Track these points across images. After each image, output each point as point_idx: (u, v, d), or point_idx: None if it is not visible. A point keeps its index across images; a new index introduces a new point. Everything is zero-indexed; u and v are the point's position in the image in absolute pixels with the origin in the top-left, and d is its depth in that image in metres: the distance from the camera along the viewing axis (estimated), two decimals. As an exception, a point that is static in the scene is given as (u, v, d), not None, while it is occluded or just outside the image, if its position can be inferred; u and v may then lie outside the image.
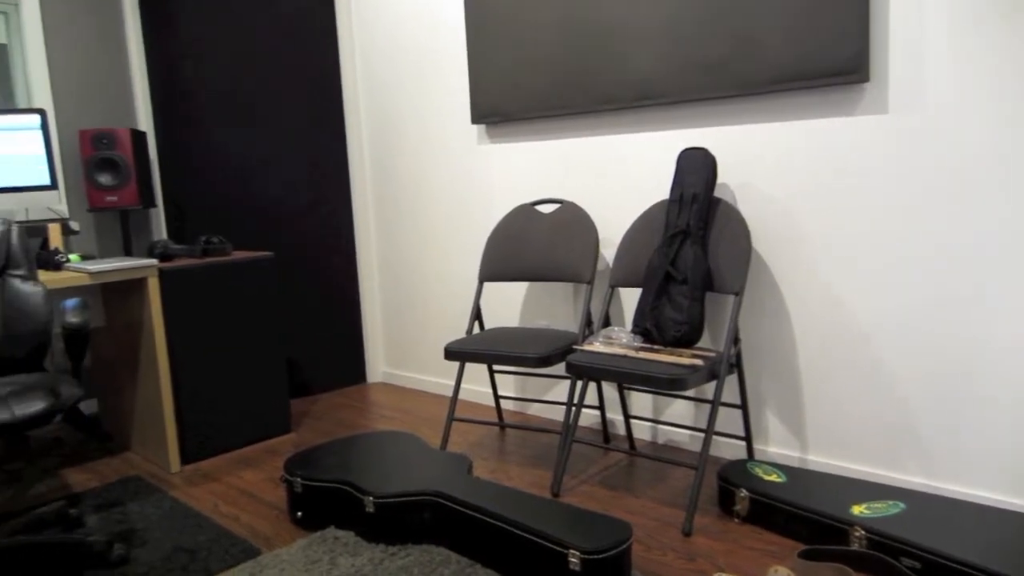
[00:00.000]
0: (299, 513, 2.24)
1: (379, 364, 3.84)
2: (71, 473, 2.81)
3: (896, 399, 2.19)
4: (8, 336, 2.13)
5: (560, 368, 3.00)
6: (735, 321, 2.24)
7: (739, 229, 2.31)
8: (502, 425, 3.02)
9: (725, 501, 2.18)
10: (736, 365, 2.32)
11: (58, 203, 2.98)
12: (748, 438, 2.40)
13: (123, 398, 3.00)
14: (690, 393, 2.62)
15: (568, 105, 2.77)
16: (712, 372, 2.15)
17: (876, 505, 1.94)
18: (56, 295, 2.97)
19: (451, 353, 2.54)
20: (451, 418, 2.71)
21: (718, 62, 2.37)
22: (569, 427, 2.44)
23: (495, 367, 3.10)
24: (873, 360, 2.22)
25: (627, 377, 2.12)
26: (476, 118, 3.07)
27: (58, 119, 3.37)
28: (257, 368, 2.96)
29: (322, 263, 3.65)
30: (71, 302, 2.03)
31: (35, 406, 1.82)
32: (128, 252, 3.39)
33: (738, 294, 2.25)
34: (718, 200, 2.39)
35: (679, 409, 2.70)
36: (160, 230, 3.60)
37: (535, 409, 3.17)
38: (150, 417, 2.80)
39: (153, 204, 3.43)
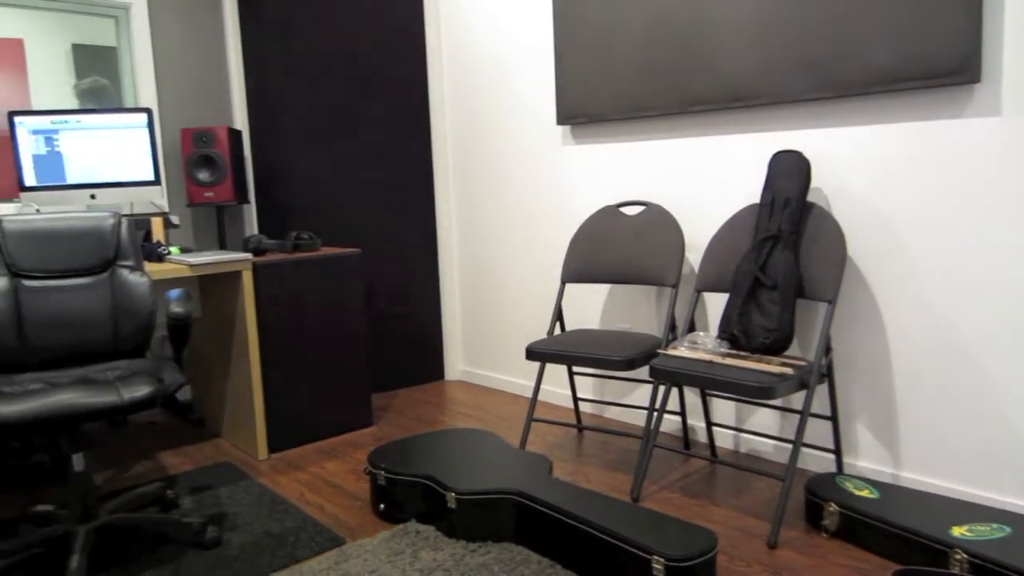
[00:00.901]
0: (382, 505, 2.29)
1: (457, 362, 3.88)
2: (166, 456, 2.95)
3: (999, 417, 2.08)
4: (117, 324, 2.25)
5: (640, 372, 2.97)
6: (827, 330, 2.16)
7: (833, 235, 2.23)
8: (580, 427, 3.01)
9: (813, 515, 2.11)
10: (827, 375, 2.24)
11: (160, 198, 3.13)
12: (838, 451, 2.32)
13: (215, 386, 3.13)
14: (776, 402, 2.55)
15: (656, 106, 2.74)
16: (802, 382, 2.09)
17: (979, 527, 1.84)
18: (159, 286, 3.12)
19: (533, 353, 2.54)
20: (531, 418, 2.71)
21: (816, 62, 2.29)
22: (650, 432, 2.41)
23: (575, 369, 3.09)
24: (974, 375, 2.11)
25: (713, 384, 2.08)
26: (562, 119, 3.07)
27: (162, 118, 3.54)
28: (342, 362, 3.04)
29: (404, 260, 3.71)
30: (175, 293, 2.13)
31: (141, 390, 1.91)
32: (222, 246, 3.53)
33: (831, 302, 2.18)
34: (811, 205, 2.32)
35: (763, 418, 2.63)
36: (252, 225, 3.73)
37: (613, 412, 3.14)
38: (240, 406, 2.91)
39: (246, 200, 3.56)
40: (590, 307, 3.15)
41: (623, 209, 2.86)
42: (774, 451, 2.61)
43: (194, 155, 3.32)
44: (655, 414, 2.43)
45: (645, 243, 2.71)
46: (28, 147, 2.95)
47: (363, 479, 2.61)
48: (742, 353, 2.27)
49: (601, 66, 2.89)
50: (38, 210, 2.95)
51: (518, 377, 3.57)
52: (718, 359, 2.20)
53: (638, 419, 3.05)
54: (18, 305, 2.14)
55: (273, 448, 2.88)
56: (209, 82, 3.68)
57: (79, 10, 3.41)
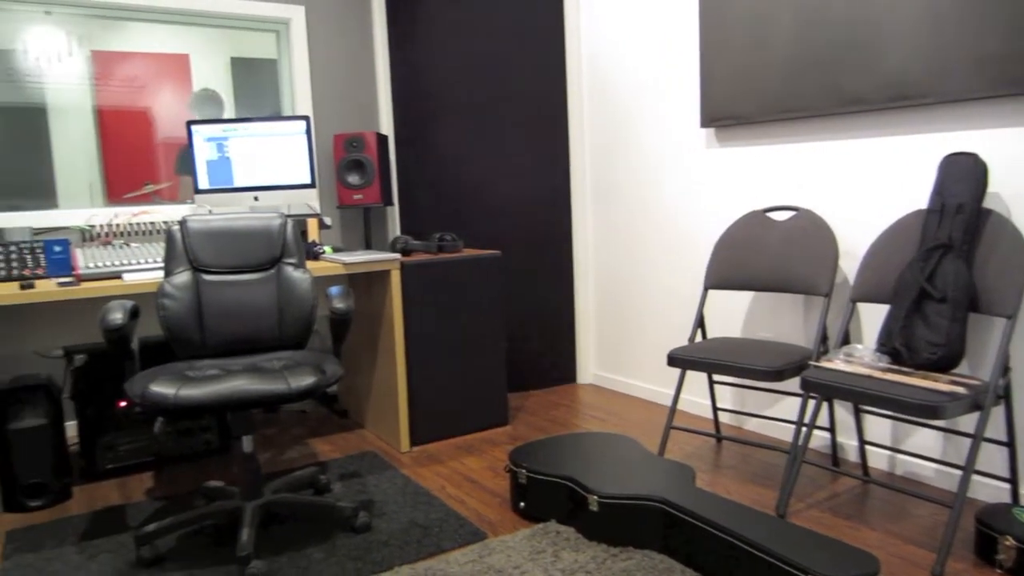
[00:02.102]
0: (522, 503, 2.32)
1: (589, 366, 3.88)
2: (316, 443, 3.12)
3: None
4: (281, 317, 2.40)
5: (786, 384, 2.86)
6: (1006, 347, 2.00)
7: (1015, 244, 2.06)
8: (719, 437, 2.94)
9: (984, 548, 1.96)
10: (1004, 397, 2.07)
11: (314, 200, 3.32)
12: (1014, 480, 2.13)
13: (360, 379, 3.29)
14: (940, 423, 2.38)
15: (808, 107, 2.63)
16: (976, 402, 1.94)
17: None
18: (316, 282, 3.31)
19: (675, 360, 2.50)
20: (669, 425, 2.67)
21: (992, 57, 2.13)
22: (798, 447, 2.31)
23: (715, 377, 3.02)
24: None
25: (873, 400, 1.97)
26: (706, 121, 3.00)
27: (316, 124, 3.76)
28: (481, 361, 3.11)
29: (540, 262, 3.75)
30: (336, 289, 2.25)
31: (306, 380, 2.03)
32: (368, 246, 3.71)
33: (1011, 317, 2.01)
34: (988, 211, 2.15)
35: (923, 439, 2.47)
36: (395, 226, 3.89)
37: (754, 424, 3.04)
38: (384, 399, 3.04)
39: (390, 202, 3.72)
40: (732, 314, 3.06)
41: (771, 214, 2.76)
42: (935, 475, 2.44)
43: (345, 159, 3.50)
44: (804, 429, 2.33)
45: (795, 250, 2.61)
46: (203, 153, 3.21)
47: (501, 476, 2.66)
48: (904, 369, 2.14)
49: (749, 66, 2.81)
50: (210, 211, 3.21)
51: (651, 383, 3.52)
52: (878, 374, 2.08)
53: (780, 432, 2.93)
54: (199, 297, 2.34)
55: (415, 441, 2.98)
56: (359, 90, 3.87)
57: (242, 26, 3.68)
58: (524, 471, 2.30)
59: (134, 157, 3.49)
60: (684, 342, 3.32)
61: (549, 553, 2.06)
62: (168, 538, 2.26)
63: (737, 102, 2.88)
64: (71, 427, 3.20)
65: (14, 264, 2.64)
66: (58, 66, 3.29)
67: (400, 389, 2.91)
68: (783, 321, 2.87)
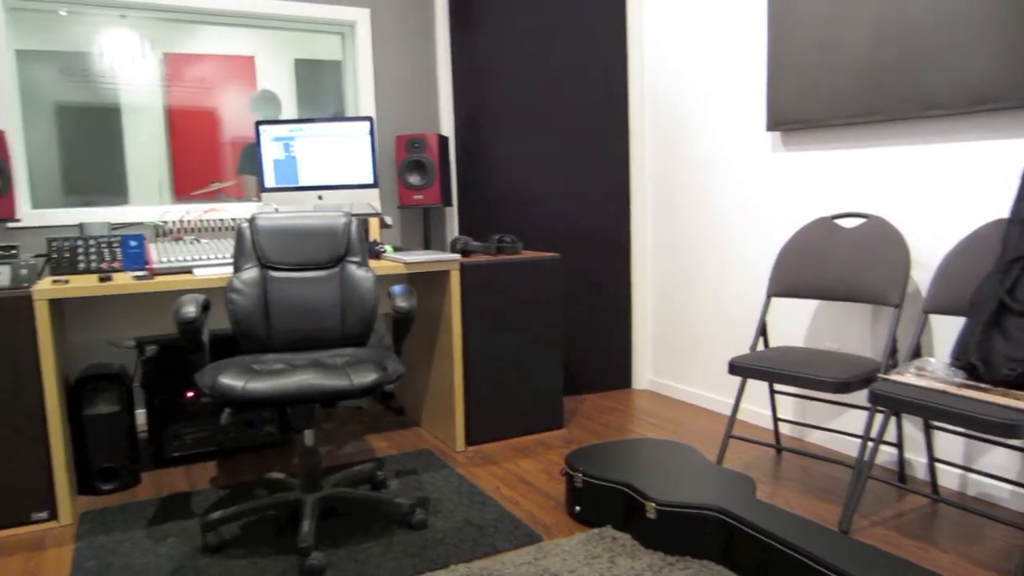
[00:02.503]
0: (577, 507, 2.31)
1: (646, 371, 3.84)
2: (372, 439, 3.17)
3: None
4: (344, 314, 2.45)
5: (850, 396, 2.78)
6: (1092, 365, 1.90)
7: (1103, 257, 1.97)
8: (779, 448, 2.87)
9: (1064, 573, 1.87)
10: (1089, 416, 1.97)
11: (375, 200, 3.37)
12: (1097, 504, 2.04)
13: (417, 377, 3.32)
14: (1018, 443, 2.28)
15: (882, 110, 2.55)
16: (1058, 421, 1.85)
17: None
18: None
19: (737, 368, 2.46)
20: (729, 434, 2.63)
21: (1087, 62, 2.03)
22: (864, 462, 2.25)
23: (776, 387, 2.96)
24: None
25: (947, 416, 1.90)
26: (772, 125, 2.94)
27: (379, 125, 3.82)
28: (537, 363, 3.11)
29: (597, 265, 3.73)
30: (399, 288, 2.28)
31: (368, 377, 2.06)
32: (427, 246, 3.74)
33: (1098, 334, 1.92)
34: (1075, 222, 2.05)
35: (999, 459, 2.37)
36: (453, 226, 3.92)
37: (815, 436, 2.96)
38: (440, 398, 3.07)
39: (450, 203, 3.75)
40: (795, 323, 2.99)
41: (839, 221, 2.69)
42: (1011, 497, 2.34)
43: (407, 160, 3.54)
44: (870, 443, 2.26)
45: (864, 258, 2.54)
46: (270, 152, 3.29)
47: (556, 479, 2.65)
48: (981, 385, 2.06)
49: (820, 69, 2.74)
50: (276, 209, 3.29)
51: (709, 391, 3.47)
52: (953, 389, 2.00)
53: (843, 445, 2.85)
54: (265, 293, 2.40)
55: (469, 441, 3.00)
56: (421, 91, 3.91)
57: (309, 28, 3.77)
58: (580, 475, 2.29)
59: (200, 156, 3.60)
60: (744, 350, 3.26)
61: (605, 559, 2.05)
62: (232, 526, 2.32)
63: (806, 105, 2.81)
64: (140, 415, 3.31)
65: (92, 257, 2.75)
66: (132, 68, 3.42)
67: (456, 389, 2.93)
68: (850, 332, 2.79)
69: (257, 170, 3.69)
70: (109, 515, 2.44)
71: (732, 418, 2.64)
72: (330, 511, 2.41)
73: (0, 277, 2.30)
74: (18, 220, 2.96)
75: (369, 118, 3.32)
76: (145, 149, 3.48)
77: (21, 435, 2.31)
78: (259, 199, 3.63)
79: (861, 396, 2.73)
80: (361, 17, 3.74)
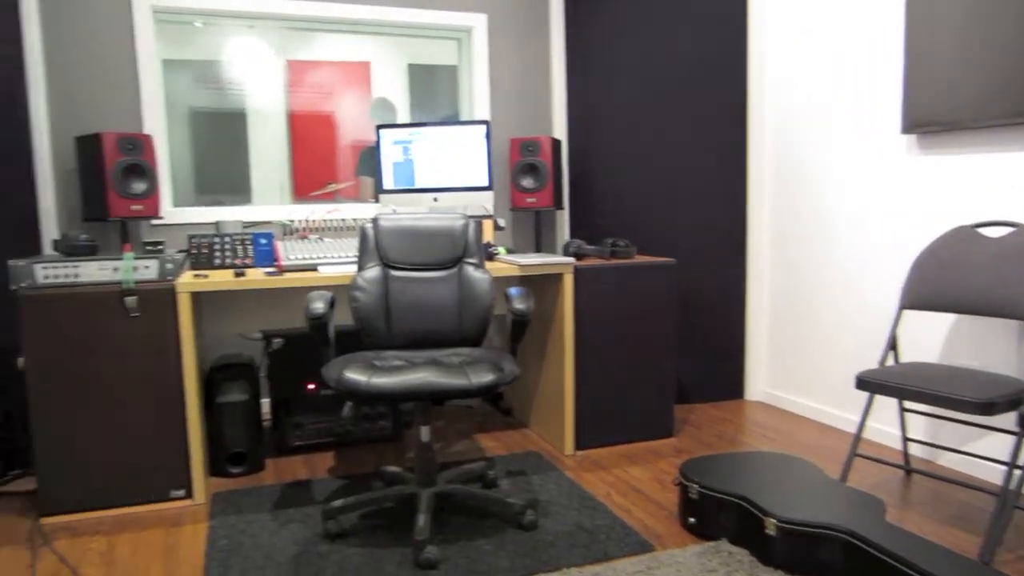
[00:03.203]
0: (691, 519, 2.26)
1: (759, 382, 3.72)
2: (481, 438, 3.21)
3: None
4: (461, 314, 2.49)
5: (992, 419, 2.59)
6: None
7: None
8: (909, 470, 2.71)
9: None
10: None
11: (489, 202, 3.42)
12: None
13: (527, 379, 3.34)
14: None
15: (1035, 113, 2.37)
16: None
17: None
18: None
19: (866, 383, 2.34)
20: (853, 452, 2.50)
21: None
22: (1009, 491, 2.09)
23: (907, 405, 2.79)
24: None
25: (1112, 444, 1.73)
26: (908, 127, 2.78)
27: (493, 128, 3.87)
28: (649, 370, 3.06)
29: (711, 271, 3.64)
30: (516, 290, 2.30)
31: (486, 377, 2.09)
32: (538, 248, 3.76)
33: None
34: None
35: None
36: (563, 229, 3.93)
37: (949, 459, 2.78)
38: (550, 401, 3.07)
39: (561, 206, 3.75)
40: (928, 338, 2.82)
41: (982, 230, 2.51)
42: None
43: (520, 163, 3.57)
44: (1017, 471, 2.10)
45: (1011, 270, 2.36)
46: (389, 155, 3.40)
47: (668, 488, 2.61)
48: None
49: (963, 69, 2.57)
50: (394, 210, 3.39)
51: (829, 405, 3.32)
52: (1117, 415, 1.83)
53: (981, 470, 2.66)
54: (387, 291, 2.47)
55: (579, 445, 2.99)
56: (535, 95, 3.94)
57: (426, 34, 3.86)
58: (695, 486, 2.24)
59: (318, 158, 3.76)
60: (868, 364, 3.10)
61: (721, 573, 1.99)
62: (350, 515, 2.41)
63: (946, 107, 2.64)
64: (264, 404, 3.49)
65: (227, 254, 2.92)
66: (258, 75, 3.61)
67: (567, 392, 2.93)
68: (992, 349, 2.60)
69: (375, 172, 3.82)
70: (238, 497, 2.58)
71: (858, 435, 2.51)
72: (443, 506, 2.46)
73: (149, 271, 2.48)
74: (161, 218, 3.18)
75: (486, 122, 3.37)
76: (268, 152, 3.68)
77: (164, 418, 2.48)
78: (376, 200, 3.75)
79: (1004, 419, 2.54)
80: (478, 22, 3.80)
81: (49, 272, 2.39)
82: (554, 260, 2.86)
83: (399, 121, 3.90)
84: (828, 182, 3.25)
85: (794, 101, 3.40)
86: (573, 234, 3.87)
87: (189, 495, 2.53)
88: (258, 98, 3.64)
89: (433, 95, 3.96)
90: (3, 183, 2.79)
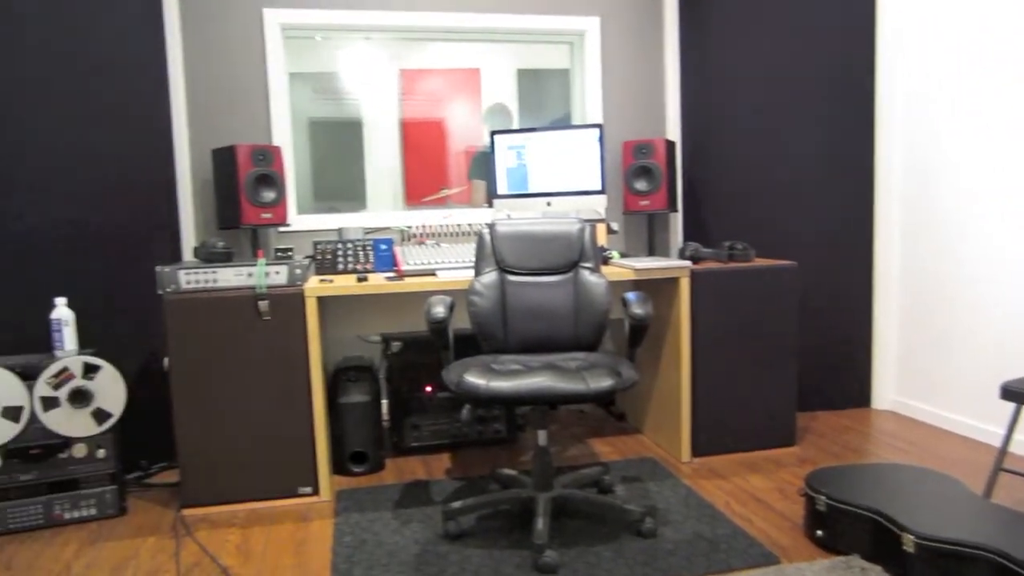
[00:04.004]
0: (819, 532, 2.16)
1: (888, 390, 3.52)
2: (594, 443, 3.19)
3: None
4: (577, 319, 2.49)
5: None
6: None
7: None
8: (1064, 489, 2.49)
9: None
10: None
11: (601, 206, 3.40)
12: None
13: (641, 384, 3.30)
14: None
15: None
16: None
17: None
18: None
19: (1013, 393, 2.17)
20: (998, 467, 2.32)
21: None
22: None
23: (1057, 417, 2.57)
24: None
25: None
26: (1060, 117, 2.57)
27: (605, 131, 3.85)
28: (769, 376, 2.96)
29: (835, 274, 3.48)
30: (634, 295, 2.28)
31: (604, 382, 2.08)
32: (651, 252, 3.71)
33: None
34: None
35: None
36: (677, 233, 3.85)
37: (1111, 478, 2.54)
38: (665, 406, 3.02)
39: (674, 208, 3.68)
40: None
41: None
42: None
43: (633, 166, 3.54)
44: None
45: None
46: (504, 160, 3.44)
47: (791, 499, 2.51)
48: None
49: None
50: (508, 215, 3.43)
51: (968, 416, 3.10)
52: None
53: None
54: (504, 296, 2.50)
55: (695, 452, 2.92)
56: (648, 96, 3.89)
57: (538, 40, 3.89)
58: (823, 498, 2.14)
59: (429, 165, 3.85)
60: (1013, 372, 2.87)
61: (854, 591, 1.90)
62: (469, 516, 2.45)
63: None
64: (382, 405, 3.60)
65: (349, 259, 3.04)
66: (372, 84, 3.74)
67: (683, 398, 2.87)
68: None
69: (488, 176, 3.88)
70: (361, 495, 2.68)
71: (1003, 449, 2.33)
72: (559, 511, 2.47)
73: (279, 276, 2.61)
74: (288, 225, 3.35)
75: (599, 125, 3.36)
76: (381, 159, 3.80)
77: (292, 417, 2.61)
78: (490, 204, 3.80)
79: None
80: (591, 26, 3.80)
81: (191, 277, 2.56)
82: (671, 264, 2.82)
83: (513, 126, 3.95)
84: (966, 175, 3.03)
85: (928, 94, 3.20)
86: (687, 237, 3.79)
87: (315, 492, 2.65)
88: (372, 107, 3.77)
89: (541, 99, 3.99)
90: (149, 194, 3.01)
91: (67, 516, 2.52)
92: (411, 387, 3.11)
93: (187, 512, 2.58)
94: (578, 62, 3.92)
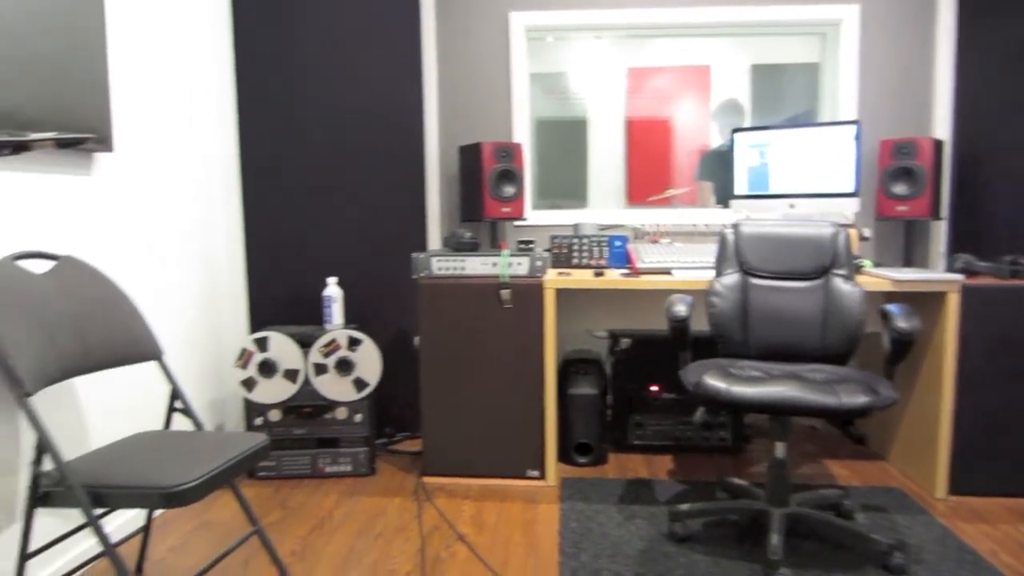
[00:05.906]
0: (1119, 601, 1.85)
1: None
2: (829, 464, 2.98)
3: None
4: (824, 329, 2.34)
5: None
6: None
7: None
8: None
9: None
10: None
11: (850, 210, 3.15)
12: None
13: (891, 407, 3.01)
14: None
15: None
16: None
17: None
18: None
19: None
20: None
21: None
22: None
23: None
24: None
25: None
26: None
27: (861, 130, 3.56)
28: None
29: None
30: (898, 308, 2.09)
31: (859, 399, 1.93)
32: (907, 263, 3.38)
33: None
34: None
35: None
36: (939, 242, 3.47)
37: None
38: (919, 434, 2.74)
39: (939, 215, 3.32)
40: None
41: None
42: None
43: (891, 167, 3.24)
44: None
45: None
46: (744, 160, 3.31)
47: (1078, 558, 2.16)
48: None
49: None
50: (748, 216, 3.30)
51: None
52: None
53: None
54: (745, 299, 2.41)
55: (953, 489, 2.62)
56: (912, 91, 3.54)
57: (784, 32, 3.68)
58: None
59: (654, 164, 3.79)
60: None
61: None
62: (695, 520, 2.40)
63: None
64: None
65: (584, 254, 3.10)
66: (599, 83, 3.76)
67: (942, 428, 2.58)
68: None
69: (716, 177, 3.76)
70: (585, 485, 2.73)
71: None
72: (792, 529, 2.34)
73: (521, 267, 2.73)
74: (525, 219, 3.48)
75: (856, 122, 3.11)
76: (605, 157, 3.81)
77: (526, 402, 2.72)
78: (726, 205, 3.68)
79: None
80: (848, 14, 3.53)
81: (442, 264, 2.75)
82: (937, 276, 2.54)
83: (745, 124, 3.78)
84: None
85: None
86: (954, 248, 3.40)
87: (542, 476, 2.74)
88: (598, 106, 3.80)
89: (778, 96, 3.78)
90: (404, 187, 3.29)
91: (328, 470, 2.84)
92: (636, 385, 3.11)
93: (427, 479, 2.79)
94: (831, 54, 3.66)
